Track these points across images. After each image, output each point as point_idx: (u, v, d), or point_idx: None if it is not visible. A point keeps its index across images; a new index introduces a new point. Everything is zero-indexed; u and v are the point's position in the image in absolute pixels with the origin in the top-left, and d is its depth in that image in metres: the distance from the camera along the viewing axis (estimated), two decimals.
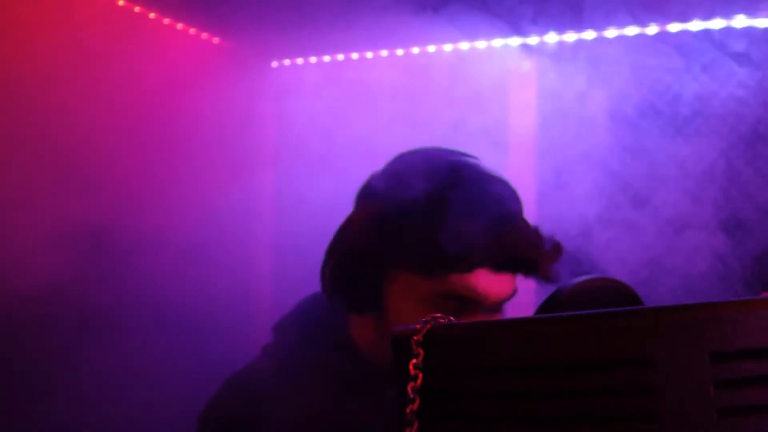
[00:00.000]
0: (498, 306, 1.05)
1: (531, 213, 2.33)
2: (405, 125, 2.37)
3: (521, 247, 1.02)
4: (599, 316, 0.59)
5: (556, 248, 1.06)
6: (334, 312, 1.12)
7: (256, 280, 2.59)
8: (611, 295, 0.98)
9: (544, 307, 1.01)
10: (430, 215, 0.99)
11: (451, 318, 0.68)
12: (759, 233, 2.02)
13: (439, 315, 0.68)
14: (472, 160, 1.09)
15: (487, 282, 1.01)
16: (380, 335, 1.06)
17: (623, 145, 2.21)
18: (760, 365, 0.55)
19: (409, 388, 0.66)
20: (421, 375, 0.65)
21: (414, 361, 0.66)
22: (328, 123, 2.52)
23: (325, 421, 1.04)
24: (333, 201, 2.44)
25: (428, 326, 0.67)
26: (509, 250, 1.00)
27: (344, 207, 2.36)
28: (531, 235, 1.04)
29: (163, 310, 2.13)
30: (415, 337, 0.66)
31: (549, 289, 0.96)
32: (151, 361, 2.07)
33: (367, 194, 1.10)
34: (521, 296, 1.08)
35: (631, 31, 2.19)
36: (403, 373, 0.66)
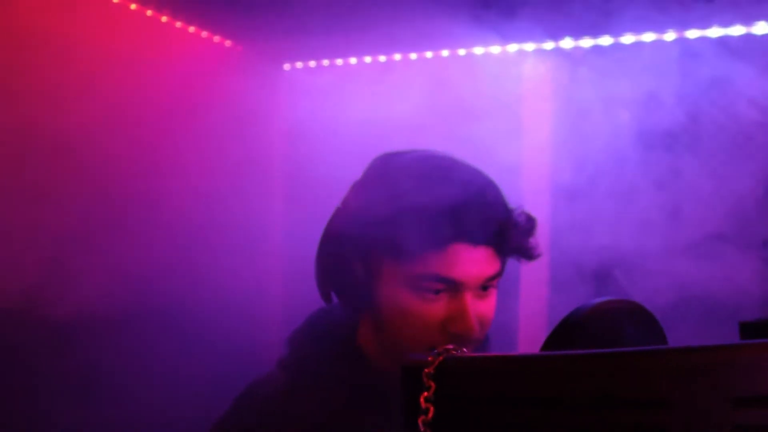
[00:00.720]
0: (484, 287, 1.04)
1: (545, 220, 2.32)
2: (417, 129, 2.35)
3: (490, 218, 1.02)
4: (615, 355, 0.58)
5: (530, 221, 1.06)
6: (342, 323, 1.12)
7: (267, 283, 2.59)
8: (629, 317, 0.96)
9: (560, 327, 1.00)
10: (398, 200, 1.00)
11: (464, 349, 0.67)
12: None
13: (451, 347, 0.66)
14: (443, 154, 1.11)
15: (464, 258, 1.01)
16: (380, 338, 1.07)
17: (643, 155, 2.18)
18: None
19: (420, 422, 0.64)
20: (432, 408, 0.64)
21: (425, 394, 0.64)
22: (340, 126, 2.51)
23: None
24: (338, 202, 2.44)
25: (440, 358, 0.65)
26: (478, 220, 1.00)
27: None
28: (500, 206, 1.05)
29: (174, 314, 2.13)
30: (426, 370, 0.65)
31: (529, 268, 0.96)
32: (160, 367, 2.07)
33: (345, 196, 1.13)
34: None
35: (649, 37, 2.16)
36: (413, 405, 0.65)
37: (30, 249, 1.83)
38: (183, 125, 2.25)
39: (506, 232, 1.03)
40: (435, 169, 1.04)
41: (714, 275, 1.84)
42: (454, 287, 1.01)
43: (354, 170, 2.61)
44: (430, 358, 0.65)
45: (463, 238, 1.00)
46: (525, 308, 2.35)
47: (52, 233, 1.88)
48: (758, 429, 0.54)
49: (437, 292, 1.01)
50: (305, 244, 2.57)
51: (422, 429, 0.64)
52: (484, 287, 1.04)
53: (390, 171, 1.06)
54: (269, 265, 2.63)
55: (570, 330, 0.93)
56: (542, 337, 1.01)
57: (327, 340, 1.12)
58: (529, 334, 2.34)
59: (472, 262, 1.01)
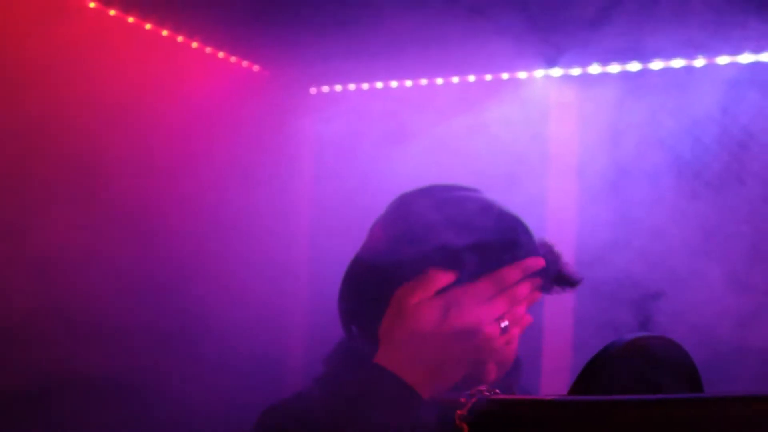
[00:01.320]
0: None
1: (569, 246, 2.29)
2: (441, 153, 2.35)
3: (528, 254, 1.00)
4: (656, 402, 0.56)
5: (556, 251, 1.05)
6: (363, 354, 1.09)
7: (293, 307, 2.59)
8: (663, 354, 0.94)
9: (595, 359, 0.98)
10: (431, 237, 0.99)
11: (497, 390, 0.66)
12: None
13: (483, 387, 0.65)
14: (476, 191, 1.10)
15: None
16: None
17: (669, 176, 2.16)
18: None
19: None
20: None
21: None
22: (365, 149, 2.52)
23: None
24: (368, 226, 2.45)
25: (473, 400, 0.64)
26: (510, 258, 0.99)
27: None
28: (534, 244, 1.04)
29: (203, 325, 2.15)
30: (459, 412, 0.64)
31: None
32: (178, 375, 2.07)
33: (371, 233, 1.11)
34: None
35: (678, 63, 2.15)
36: None
37: (40, 257, 1.85)
38: (213, 147, 2.28)
39: (549, 266, 1.02)
40: (467, 207, 1.03)
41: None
42: None
43: (377, 193, 2.61)
44: (462, 399, 0.65)
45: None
46: (549, 340, 2.33)
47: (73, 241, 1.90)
48: None
49: None
50: (330, 265, 2.57)
51: None
52: None
53: (420, 208, 1.05)
54: (295, 288, 2.64)
55: (604, 365, 0.92)
56: (565, 366, 0.99)
57: (359, 359, 1.08)
58: (552, 365, 2.31)
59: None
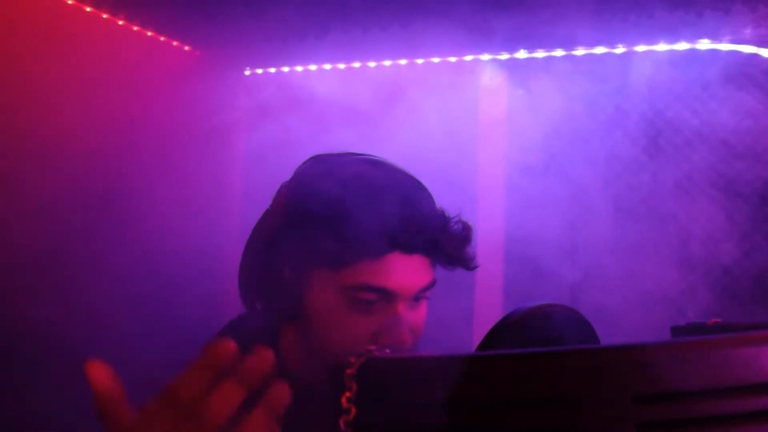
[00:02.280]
0: (417, 298, 1.01)
1: (498, 226, 2.34)
2: (374, 137, 2.37)
3: (425, 226, 0.98)
4: (523, 355, 0.59)
5: (466, 229, 1.03)
6: (259, 332, 1.08)
7: (224, 295, 2.57)
8: (562, 321, 0.98)
9: (494, 330, 1.02)
10: (333, 206, 0.96)
11: (387, 351, 0.68)
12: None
13: (374, 347, 0.67)
14: (378, 158, 1.07)
15: (399, 268, 0.97)
16: (305, 348, 1.03)
17: (593, 159, 2.22)
18: (682, 408, 0.55)
19: (341, 422, 0.65)
20: (354, 409, 0.65)
21: (347, 394, 0.65)
22: (299, 132, 2.51)
23: None
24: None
25: (362, 360, 0.66)
26: (414, 229, 0.97)
27: None
28: (436, 215, 1.01)
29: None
30: (348, 371, 0.66)
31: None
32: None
33: (275, 198, 1.07)
34: None
35: (600, 50, 2.21)
36: (335, 406, 0.66)
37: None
38: (141, 128, 2.23)
39: (442, 242, 1.00)
40: (370, 175, 1.00)
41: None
42: (387, 298, 0.98)
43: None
44: (352, 359, 0.67)
45: (398, 248, 0.97)
46: (480, 314, 2.38)
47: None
48: (660, 425, 0.56)
49: (370, 303, 0.97)
50: None
51: (344, 429, 0.65)
52: (417, 298, 1.01)
53: (322, 175, 1.00)
54: (227, 271, 2.61)
55: (502, 333, 0.96)
56: None
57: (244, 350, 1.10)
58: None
59: (407, 272, 0.98)
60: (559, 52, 2.25)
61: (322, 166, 1.04)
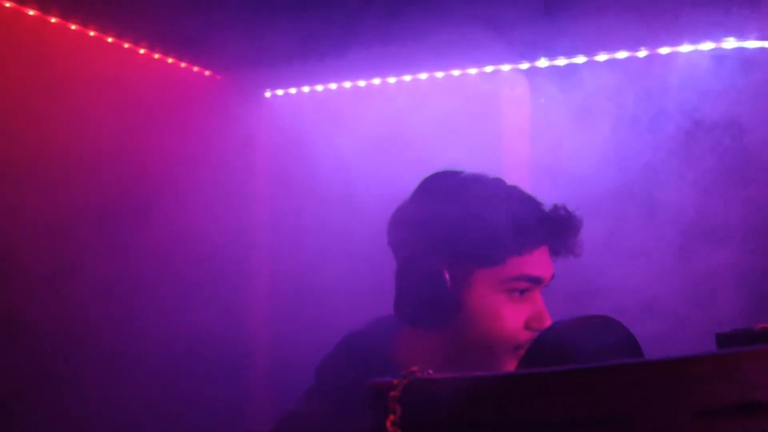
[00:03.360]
0: (549, 283, 1.20)
1: None
2: (397, 153, 2.36)
3: (560, 220, 1.17)
4: (578, 372, 0.57)
5: (580, 220, 1.21)
6: (377, 347, 1.18)
7: (250, 312, 2.56)
8: (605, 334, 0.96)
9: (537, 344, 1.00)
10: (491, 212, 1.13)
11: (430, 371, 0.66)
12: None
13: (416, 368, 0.66)
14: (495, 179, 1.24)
15: (544, 259, 1.17)
16: (456, 348, 1.14)
17: (620, 166, 2.19)
18: (746, 422, 0.53)
19: None
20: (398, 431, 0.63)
21: (391, 418, 0.64)
22: (321, 152, 2.51)
23: None
24: (324, 229, 2.44)
25: (405, 381, 0.64)
26: (554, 224, 1.16)
27: (336, 236, 2.34)
28: (563, 210, 1.19)
29: (157, 348, 2.10)
30: (392, 393, 0.64)
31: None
32: (139, 376, 2.04)
33: (417, 219, 1.21)
34: None
35: (622, 54, 2.19)
36: (380, 430, 0.64)
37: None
38: (163, 154, 2.24)
39: (565, 233, 1.18)
40: (501, 183, 1.20)
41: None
42: (534, 286, 1.15)
43: (331, 195, 2.60)
44: (395, 381, 0.65)
45: (544, 242, 1.16)
46: None
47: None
48: None
49: (523, 291, 1.14)
50: (289, 267, 2.55)
51: None
52: (545, 286, 1.20)
53: (467, 187, 1.17)
54: (254, 294, 2.60)
55: (544, 347, 0.93)
56: None
57: (359, 369, 1.13)
58: None
59: (548, 262, 1.17)
60: (580, 59, 2.23)
61: (455, 179, 1.20)
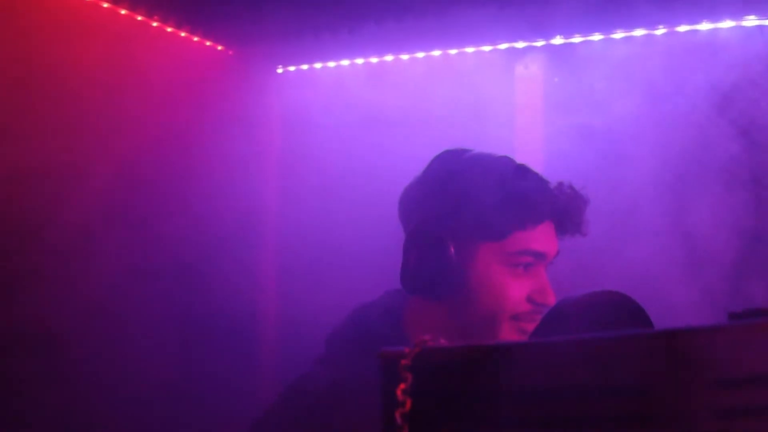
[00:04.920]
0: (550, 262, 1.23)
1: None
2: (409, 133, 2.34)
3: (565, 197, 1.20)
4: (591, 341, 0.56)
5: (586, 199, 1.24)
6: (384, 320, 1.21)
7: (258, 291, 2.56)
8: (616, 309, 0.95)
9: (549, 318, 0.99)
10: (495, 186, 1.16)
11: (442, 340, 0.66)
12: None
13: (428, 337, 0.65)
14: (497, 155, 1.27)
15: (547, 234, 1.20)
16: (460, 319, 1.18)
17: (634, 151, 2.17)
18: (756, 394, 0.52)
19: (397, 415, 0.63)
20: (409, 401, 0.63)
21: (402, 386, 0.63)
22: (332, 130, 2.50)
23: None
24: (335, 208, 2.43)
25: (417, 350, 0.64)
26: (558, 200, 1.20)
27: (346, 213, 2.34)
28: (568, 187, 1.22)
29: (165, 325, 2.11)
30: (403, 361, 0.64)
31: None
32: (155, 369, 2.05)
33: (424, 193, 1.24)
34: None
35: (639, 32, 2.16)
36: (390, 398, 0.64)
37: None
38: (174, 130, 2.24)
39: (571, 210, 1.21)
40: (509, 160, 1.22)
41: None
42: (539, 261, 1.18)
43: (348, 171, 2.58)
44: (407, 350, 0.64)
45: (548, 217, 1.19)
46: None
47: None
48: (741, 411, 0.52)
49: (527, 266, 1.17)
50: (299, 245, 2.54)
51: (399, 422, 0.63)
52: (549, 263, 1.22)
53: (474, 163, 1.20)
54: (262, 273, 2.59)
55: (555, 321, 0.93)
56: None
57: (369, 338, 1.17)
58: None
59: (552, 238, 1.21)
60: (596, 36, 2.20)
61: (463, 157, 1.23)
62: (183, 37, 2.32)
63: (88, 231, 1.96)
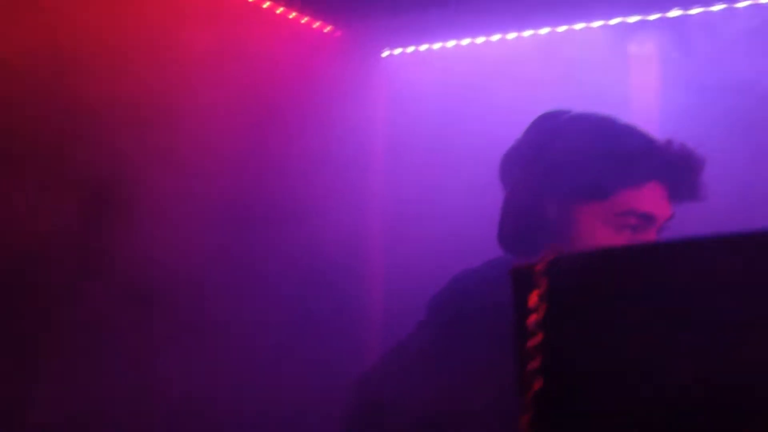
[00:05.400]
0: (662, 228, 1.15)
1: None
2: (519, 120, 2.29)
3: (676, 156, 1.14)
4: (731, 238, 0.53)
5: (702, 160, 1.16)
6: (491, 284, 1.16)
7: (366, 284, 2.57)
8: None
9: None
10: (597, 143, 1.13)
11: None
12: None
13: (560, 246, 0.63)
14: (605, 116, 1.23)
15: (658, 196, 1.13)
16: None
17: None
18: None
19: (531, 322, 0.62)
20: (544, 306, 0.61)
21: (537, 292, 0.62)
22: (439, 113, 2.49)
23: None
24: (442, 196, 2.40)
25: (551, 256, 0.62)
26: (667, 159, 1.13)
27: (453, 202, 2.31)
28: (679, 146, 1.15)
29: (273, 313, 2.15)
30: (537, 267, 0.62)
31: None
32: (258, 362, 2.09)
33: (524, 154, 1.22)
34: None
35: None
36: (524, 306, 0.62)
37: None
38: (279, 114, 2.27)
39: (684, 172, 1.14)
40: (613, 118, 1.18)
41: None
42: (647, 223, 1.12)
43: (454, 153, 2.55)
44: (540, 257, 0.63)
45: (655, 176, 1.12)
46: None
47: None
48: None
49: (634, 228, 1.11)
50: (406, 227, 2.53)
51: (532, 329, 0.61)
52: (661, 228, 1.15)
53: (576, 122, 1.18)
54: (368, 259, 2.59)
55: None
56: None
57: (474, 304, 1.16)
58: None
59: (661, 199, 1.14)
60: (718, 6, 2.09)
61: (564, 116, 1.21)
62: (291, 18, 2.36)
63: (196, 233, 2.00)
